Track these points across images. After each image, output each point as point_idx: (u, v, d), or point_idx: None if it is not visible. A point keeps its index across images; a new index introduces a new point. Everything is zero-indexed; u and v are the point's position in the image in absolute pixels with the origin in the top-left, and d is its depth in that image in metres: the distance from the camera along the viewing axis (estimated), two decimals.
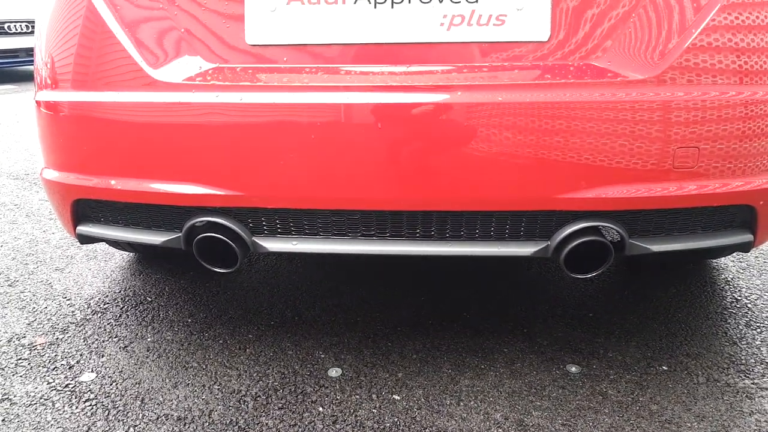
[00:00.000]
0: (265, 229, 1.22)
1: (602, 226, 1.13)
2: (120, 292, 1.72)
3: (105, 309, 1.63)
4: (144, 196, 1.22)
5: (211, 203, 1.18)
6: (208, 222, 1.20)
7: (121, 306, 1.64)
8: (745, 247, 1.24)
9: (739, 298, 1.58)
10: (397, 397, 1.24)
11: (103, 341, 1.47)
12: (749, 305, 1.54)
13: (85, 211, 1.33)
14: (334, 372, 1.33)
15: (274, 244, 1.21)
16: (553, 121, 1.06)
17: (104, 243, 1.84)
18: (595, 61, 1.08)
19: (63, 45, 1.24)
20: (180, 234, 1.24)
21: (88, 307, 1.64)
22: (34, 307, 1.65)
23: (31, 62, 7.48)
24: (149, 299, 1.68)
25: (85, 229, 1.35)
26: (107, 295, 1.70)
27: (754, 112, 1.10)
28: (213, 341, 1.46)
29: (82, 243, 1.41)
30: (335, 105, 1.09)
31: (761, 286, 1.64)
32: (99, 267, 1.89)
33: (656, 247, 1.15)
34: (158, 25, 1.17)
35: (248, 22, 1.13)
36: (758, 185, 1.14)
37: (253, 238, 1.22)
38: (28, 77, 7.59)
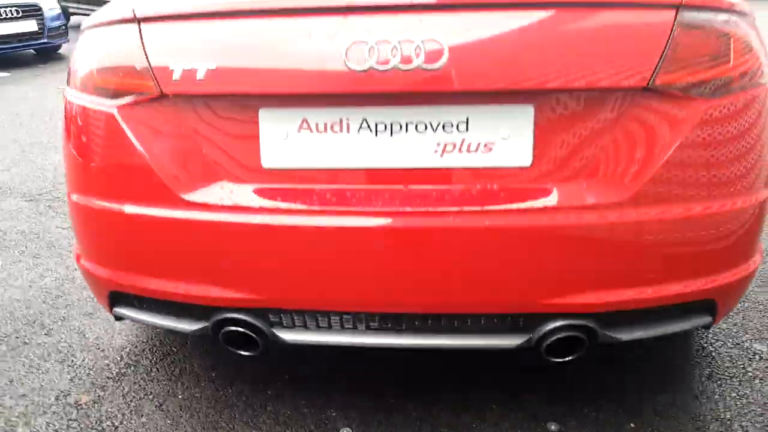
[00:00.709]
0: (283, 324, 1.38)
1: (579, 324, 1.29)
2: (147, 342, 1.90)
3: (137, 362, 1.81)
4: (174, 295, 1.38)
5: (233, 304, 1.35)
6: (232, 317, 1.37)
7: (150, 358, 1.82)
8: (707, 327, 1.41)
9: (705, 345, 1.76)
10: None
11: (140, 399, 1.66)
12: (713, 353, 1.73)
13: (120, 297, 1.49)
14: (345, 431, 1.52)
15: (291, 336, 1.38)
16: (535, 242, 1.21)
17: None
18: (574, 185, 1.23)
19: (95, 157, 1.38)
20: (208, 324, 1.41)
21: (121, 360, 1.82)
22: (72, 360, 1.83)
23: (24, 48, 7.27)
24: (174, 350, 1.86)
25: (120, 311, 1.51)
26: (136, 346, 1.88)
27: (716, 222, 1.25)
28: (237, 398, 1.65)
29: (117, 320, 1.58)
30: (342, 225, 1.24)
31: (726, 331, 1.82)
32: None
33: (625, 337, 1.33)
34: (184, 149, 1.30)
35: (263, 148, 1.27)
36: (719, 282, 1.31)
37: (272, 330, 1.38)
38: (21, 63, 7.54)
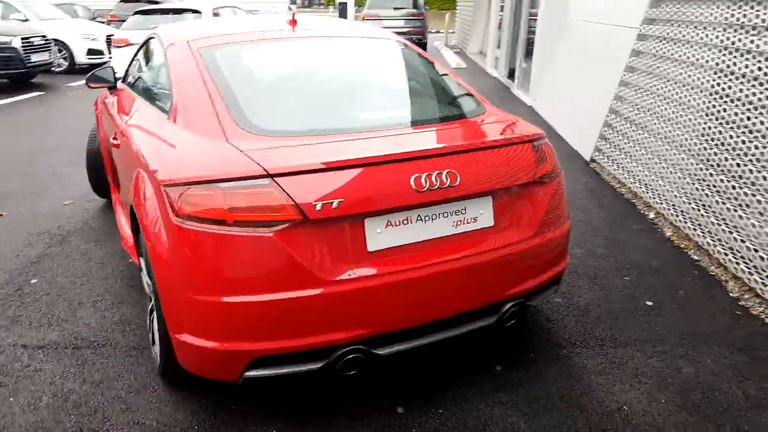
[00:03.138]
0: (378, 343, 2.22)
1: (519, 302, 2.48)
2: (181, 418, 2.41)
3: None
4: (308, 345, 2.10)
5: (350, 340, 2.13)
6: (351, 349, 2.15)
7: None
8: (554, 292, 2.76)
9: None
10: None
11: None
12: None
13: (260, 362, 2.10)
14: None
15: (384, 351, 2.23)
16: (502, 262, 2.36)
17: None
18: (514, 230, 2.41)
19: (253, 268, 2.01)
20: (329, 360, 2.15)
21: None
22: None
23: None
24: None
25: (253, 372, 2.12)
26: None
27: (559, 238, 2.59)
28: None
29: (242, 384, 2.15)
30: (416, 276, 2.18)
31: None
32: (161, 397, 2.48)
33: (534, 303, 2.58)
34: (321, 248, 2.06)
35: (368, 240, 2.14)
36: (560, 268, 2.66)
37: (373, 350, 2.21)
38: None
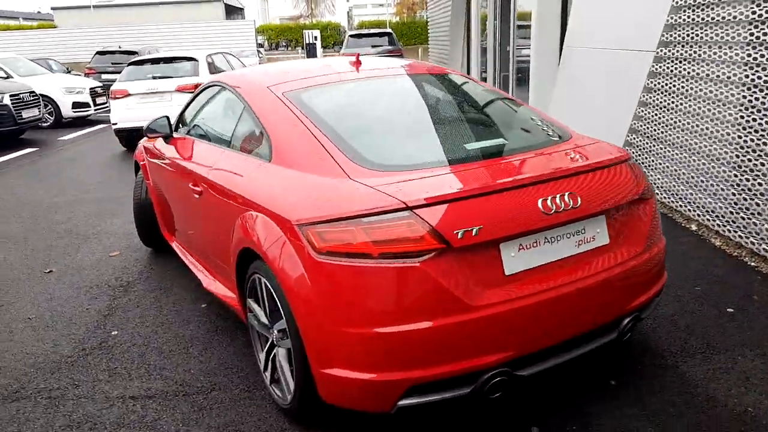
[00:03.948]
0: (520, 365, 2.28)
1: (634, 315, 2.56)
2: None
3: None
4: (457, 371, 2.14)
5: (496, 364, 2.19)
6: (497, 372, 2.21)
7: None
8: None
9: None
10: None
11: None
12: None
13: (412, 390, 2.14)
14: None
15: (527, 372, 2.28)
16: (620, 278, 2.44)
17: None
18: (625, 247, 2.51)
19: (402, 297, 2.07)
20: (476, 384, 2.20)
21: None
22: None
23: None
24: None
25: (406, 401, 2.16)
26: None
27: (659, 256, 2.70)
28: None
29: (395, 414, 2.19)
30: (552, 296, 2.26)
31: None
32: None
33: (645, 315, 2.66)
34: (464, 274, 2.13)
35: (504, 264, 2.21)
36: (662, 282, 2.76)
37: (515, 372, 2.27)
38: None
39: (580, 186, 2.38)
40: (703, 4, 4.66)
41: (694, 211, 4.79)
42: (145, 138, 4.79)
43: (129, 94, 9.62)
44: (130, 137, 9.98)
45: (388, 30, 19.13)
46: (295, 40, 48.43)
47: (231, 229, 2.80)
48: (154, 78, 9.79)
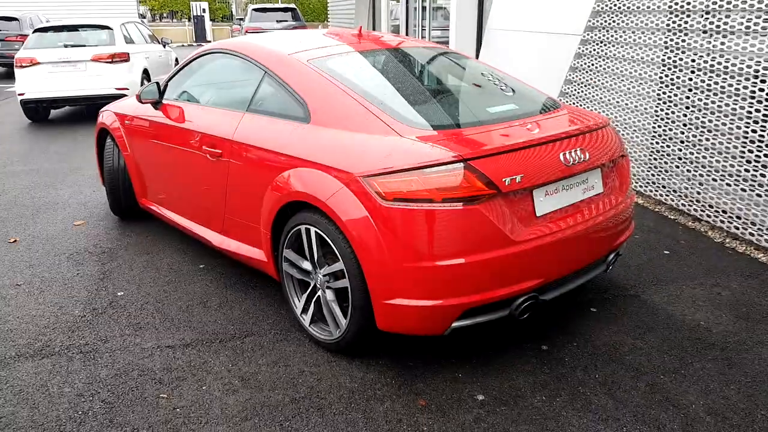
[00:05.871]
0: (544, 291, 2.74)
1: (617, 251, 3.11)
2: None
3: None
4: (498, 296, 2.56)
5: (527, 291, 2.63)
6: (527, 297, 2.65)
7: None
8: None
9: None
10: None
11: None
12: None
13: (466, 313, 2.53)
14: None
15: (548, 296, 2.75)
16: (610, 221, 2.97)
17: None
18: (614, 195, 3.05)
19: (458, 235, 2.44)
20: (512, 307, 2.63)
21: None
22: None
23: None
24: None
25: (459, 323, 2.54)
26: None
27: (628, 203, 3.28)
28: None
29: (447, 334, 2.56)
30: (572, 232, 2.73)
31: None
32: None
33: (622, 251, 3.23)
34: (507, 215, 2.54)
35: (536, 207, 2.65)
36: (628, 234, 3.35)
37: (540, 297, 2.72)
38: None
39: (587, 143, 2.87)
40: None
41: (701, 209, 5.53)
42: (106, 107, 4.75)
43: (37, 63, 9.03)
44: (38, 109, 9.39)
45: (292, 5, 19.00)
46: (181, 11, 46.19)
47: (265, 186, 3.01)
48: (66, 46, 9.24)
